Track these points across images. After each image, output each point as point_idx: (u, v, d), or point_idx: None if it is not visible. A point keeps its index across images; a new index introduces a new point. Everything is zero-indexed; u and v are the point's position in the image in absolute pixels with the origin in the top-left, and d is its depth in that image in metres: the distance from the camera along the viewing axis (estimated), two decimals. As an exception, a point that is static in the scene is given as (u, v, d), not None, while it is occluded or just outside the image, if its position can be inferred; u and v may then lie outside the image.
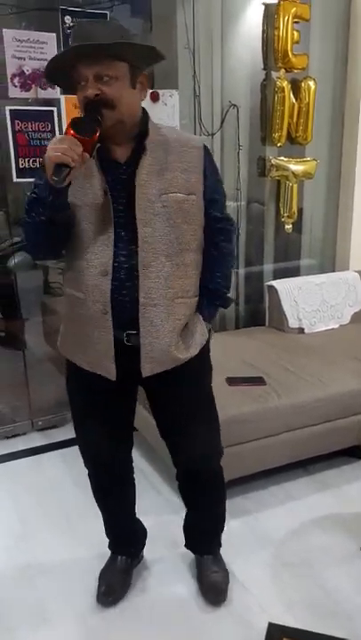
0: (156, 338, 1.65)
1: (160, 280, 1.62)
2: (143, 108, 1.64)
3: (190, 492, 2.01)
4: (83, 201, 1.60)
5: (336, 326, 3.46)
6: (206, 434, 1.88)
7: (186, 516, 2.08)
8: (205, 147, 1.69)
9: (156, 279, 1.62)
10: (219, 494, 2.02)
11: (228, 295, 1.86)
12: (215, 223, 1.73)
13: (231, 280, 1.86)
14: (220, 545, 2.10)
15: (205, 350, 1.82)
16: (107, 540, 2.09)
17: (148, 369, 1.68)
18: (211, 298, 1.79)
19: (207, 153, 1.69)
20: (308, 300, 3.37)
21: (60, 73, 1.55)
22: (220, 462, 1.94)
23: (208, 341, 1.83)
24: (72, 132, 1.45)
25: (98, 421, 1.83)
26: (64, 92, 1.53)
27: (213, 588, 2.02)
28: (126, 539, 2.10)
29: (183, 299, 1.69)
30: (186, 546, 2.11)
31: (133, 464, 2.02)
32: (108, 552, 2.10)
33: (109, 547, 2.10)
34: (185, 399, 1.81)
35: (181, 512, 2.38)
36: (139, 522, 2.12)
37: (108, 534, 2.08)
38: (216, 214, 1.73)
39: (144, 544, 2.15)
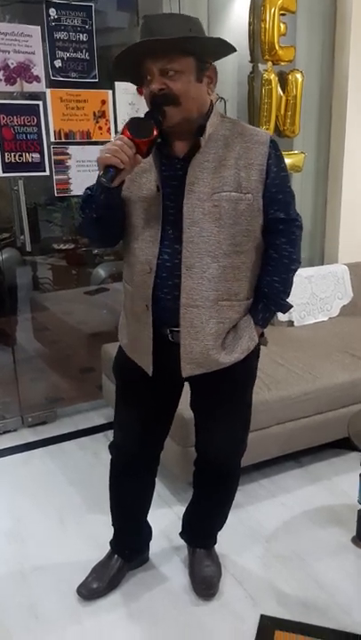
0: (196, 339, 1.62)
1: (203, 281, 1.57)
2: (211, 102, 1.59)
3: (205, 481, 1.99)
4: (137, 195, 1.59)
5: (325, 319, 3.47)
6: (237, 431, 1.87)
7: (190, 506, 2.07)
8: (273, 142, 1.59)
9: (199, 280, 1.57)
10: (230, 490, 2.02)
11: (287, 301, 1.75)
12: (277, 224, 1.64)
13: (292, 286, 1.74)
14: (215, 542, 2.10)
15: (254, 356, 1.76)
16: (98, 537, 2.08)
17: (187, 369, 1.65)
18: (267, 302, 1.70)
19: (274, 148, 1.59)
20: (297, 293, 3.37)
21: (127, 68, 1.53)
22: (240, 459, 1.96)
23: (258, 347, 1.78)
24: (128, 133, 1.44)
25: (133, 407, 1.83)
26: (135, 83, 1.52)
27: (205, 581, 2.02)
28: (127, 537, 2.07)
29: (230, 301, 1.62)
30: (181, 535, 2.11)
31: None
32: (100, 549, 2.09)
33: (110, 543, 2.08)
34: (225, 402, 1.79)
35: (175, 507, 2.39)
36: (147, 526, 2.10)
37: (113, 527, 2.05)
38: (279, 215, 1.63)
39: (145, 550, 2.13)
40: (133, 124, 1.46)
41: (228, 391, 1.76)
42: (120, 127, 2.96)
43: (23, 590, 2.05)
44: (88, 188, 1.60)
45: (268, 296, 1.70)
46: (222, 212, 1.54)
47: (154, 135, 1.46)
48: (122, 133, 1.45)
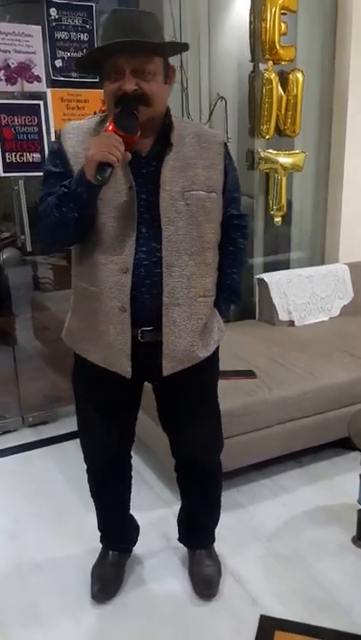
0: (179, 337, 1.64)
1: (183, 279, 1.61)
2: None
3: (190, 483, 2.00)
4: (105, 194, 1.55)
5: (326, 319, 3.46)
6: (212, 427, 1.90)
7: (181, 509, 2.08)
8: (225, 143, 1.66)
9: (179, 278, 1.60)
10: (216, 488, 2.02)
11: (241, 291, 1.86)
12: (232, 220, 1.73)
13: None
14: (214, 540, 2.11)
15: (217, 347, 1.82)
16: (97, 537, 2.08)
17: (168, 368, 1.67)
18: (228, 294, 1.79)
19: (226, 149, 1.67)
20: (297, 292, 3.37)
21: (93, 61, 1.52)
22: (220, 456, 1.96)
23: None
24: (117, 129, 1.43)
25: (103, 417, 1.81)
26: (98, 78, 1.52)
27: (205, 581, 2.02)
28: (119, 534, 2.10)
29: (205, 297, 1.68)
30: (179, 540, 2.11)
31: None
32: (100, 547, 2.10)
33: (101, 541, 2.09)
34: (197, 393, 1.82)
35: (174, 506, 2.38)
36: (132, 518, 2.12)
37: (100, 529, 2.07)
38: (234, 211, 1.72)
39: (136, 540, 2.14)
40: (120, 121, 1.44)
41: (202, 385, 1.80)
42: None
43: (22, 589, 2.05)
44: (62, 186, 1.51)
45: (231, 287, 1.78)
46: (194, 211, 1.59)
47: (139, 132, 1.47)
48: (107, 129, 1.44)
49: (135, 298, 1.60)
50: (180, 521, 2.10)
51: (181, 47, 1.62)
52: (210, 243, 1.65)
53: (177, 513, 2.11)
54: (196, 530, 2.09)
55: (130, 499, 2.07)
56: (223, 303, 1.79)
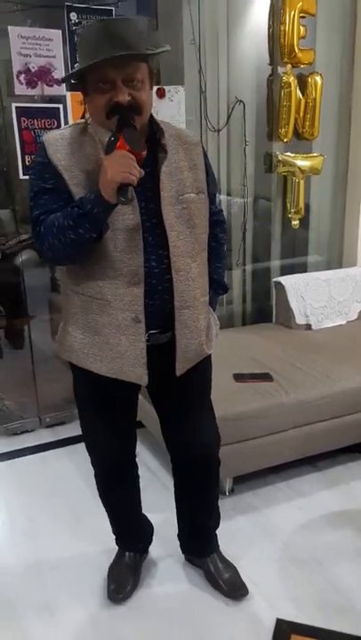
0: (190, 339, 1.68)
1: (189, 282, 1.64)
2: None
3: (191, 482, 1.99)
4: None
5: (343, 322, 3.44)
6: (211, 420, 1.93)
7: (180, 520, 2.07)
8: (200, 142, 1.72)
9: (186, 281, 1.63)
10: (216, 485, 2.03)
11: (226, 284, 1.94)
12: (213, 216, 1.76)
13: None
14: (218, 544, 2.09)
15: None
16: (114, 537, 2.09)
17: (180, 368, 1.71)
18: (216, 288, 1.84)
19: (203, 148, 1.72)
20: (315, 296, 3.36)
21: (76, 74, 1.50)
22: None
23: None
24: (128, 147, 1.40)
25: (107, 423, 1.82)
26: (70, 89, 1.51)
27: (231, 582, 2.01)
28: (133, 535, 2.11)
29: (205, 297, 1.74)
30: (186, 552, 2.12)
31: (140, 460, 2.03)
32: (116, 548, 2.11)
33: (117, 543, 2.10)
34: (198, 387, 1.85)
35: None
36: (145, 518, 2.12)
37: (114, 531, 2.08)
38: (214, 208, 1.77)
39: (151, 540, 2.15)
40: (129, 137, 1.41)
41: (199, 372, 1.81)
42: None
43: (39, 588, 2.07)
44: (76, 207, 1.46)
45: (217, 282, 1.84)
46: (191, 214, 1.62)
47: (145, 147, 1.48)
48: (118, 147, 1.40)
49: (148, 306, 1.60)
50: (181, 532, 2.10)
51: (163, 51, 1.54)
52: (204, 243, 1.70)
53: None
54: (200, 533, 2.07)
55: (140, 498, 2.07)
56: (213, 298, 1.84)
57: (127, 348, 1.62)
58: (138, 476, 2.04)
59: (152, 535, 2.15)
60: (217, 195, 1.85)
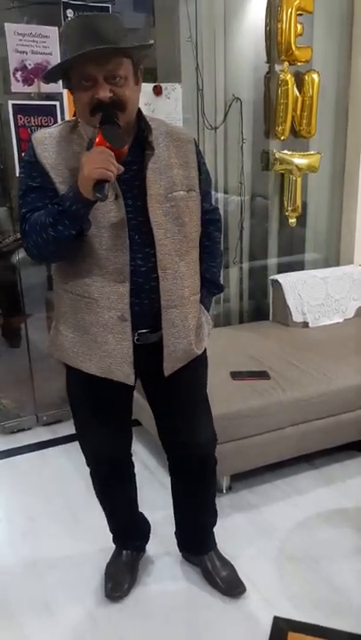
0: (178, 338, 1.66)
1: (177, 281, 1.63)
2: None
3: (187, 482, 1.98)
4: (97, 204, 1.53)
5: (340, 320, 3.45)
6: (206, 419, 1.90)
7: (181, 520, 2.07)
8: (194, 139, 1.69)
9: (173, 280, 1.62)
10: (213, 484, 2.02)
11: (222, 283, 1.91)
12: (206, 215, 1.74)
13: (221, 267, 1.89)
14: (215, 542, 2.10)
15: None
16: (111, 535, 2.09)
17: (169, 368, 1.69)
18: (209, 287, 1.82)
19: (197, 145, 1.69)
20: (312, 294, 3.36)
21: (59, 71, 1.49)
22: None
23: None
24: (107, 143, 1.40)
25: (101, 422, 1.81)
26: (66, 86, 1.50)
27: (228, 580, 2.01)
28: (130, 533, 2.11)
29: (195, 295, 1.72)
30: (184, 550, 2.12)
31: (137, 457, 2.03)
32: (114, 546, 2.11)
33: (114, 541, 2.10)
34: (190, 386, 1.83)
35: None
36: (142, 516, 2.13)
37: (111, 529, 2.08)
38: (207, 206, 1.75)
39: (148, 538, 2.15)
40: (107, 134, 1.41)
41: (193, 372, 1.80)
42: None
43: (37, 587, 2.07)
44: (54, 204, 1.48)
45: (210, 281, 1.81)
46: (180, 212, 1.60)
47: (127, 144, 1.47)
48: (97, 143, 1.40)
49: (134, 304, 1.60)
50: (180, 530, 2.10)
51: (147, 47, 1.51)
52: (194, 241, 1.68)
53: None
54: (197, 532, 2.08)
55: (136, 497, 2.07)
56: (206, 297, 1.81)
57: (114, 346, 1.62)
58: (134, 475, 2.04)
59: (149, 533, 2.15)
60: (212, 192, 1.83)
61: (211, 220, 1.78)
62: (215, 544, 2.09)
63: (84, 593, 2.03)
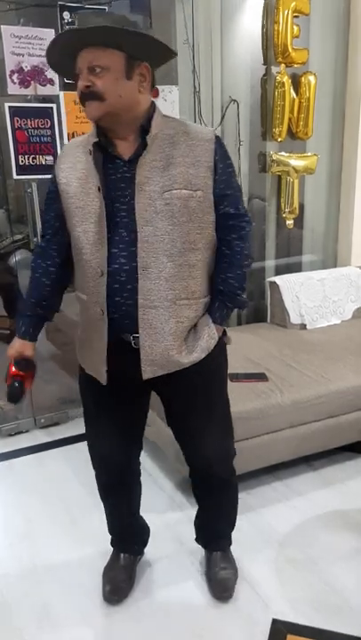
0: (156, 340, 1.61)
1: (160, 281, 1.57)
2: (152, 102, 1.59)
3: (202, 491, 1.99)
4: (84, 201, 1.58)
5: (338, 322, 3.45)
6: (217, 437, 1.84)
7: (197, 512, 2.07)
8: (218, 138, 1.61)
9: (156, 280, 1.57)
10: (229, 495, 2.00)
11: (243, 297, 1.75)
12: (227, 220, 1.65)
13: (246, 281, 1.74)
14: (230, 543, 2.10)
15: (216, 353, 1.72)
16: (110, 537, 2.09)
17: (148, 371, 1.64)
18: (223, 299, 1.70)
19: (219, 145, 1.60)
20: (309, 295, 3.36)
21: (63, 64, 1.54)
22: (233, 464, 1.94)
23: (222, 344, 1.76)
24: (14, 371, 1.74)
25: (107, 422, 1.81)
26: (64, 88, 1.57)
27: (221, 583, 2.01)
28: (129, 536, 2.10)
29: (188, 300, 1.62)
30: (196, 540, 2.11)
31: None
32: (112, 548, 2.10)
33: (112, 544, 2.09)
34: (196, 403, 1.76)
35: (186, 509, 2.39)
36: (142, 520, 2.12)
37: (110, 532, 2.07)
38: (228, 210, 1.64)
39: (147, 542, 2.14)
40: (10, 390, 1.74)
41: (198, 394, 1.75)
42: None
43: (35, 590, 2.06)
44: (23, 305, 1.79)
45: (224, 293, 1.69)
46: (175, 210, 1.54)
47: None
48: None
49: (117, 303, 1.59)
50: (197, 523, 2.09)
51: (144, 40, 1.49)
52: (194, 243, 1.59)
53: (189, 516, 2.10)
54: (212, 534, 2.08)
55: (139, 503, 2.06)
56: (218, 310, 1.69)
57: (97, 343, 1.64)
58: (139, 484, 2.02)
59: (148, 538, 2.14)
60: (240, 198, 1.68)
61: (233, 227, 1.66)
62: (226, 546, 2.09)
63: (82, 596, 2.02)
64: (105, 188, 1.56)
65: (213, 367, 1.75)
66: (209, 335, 1.68)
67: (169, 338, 1.61)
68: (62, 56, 1.51)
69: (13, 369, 1.71)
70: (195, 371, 1.68)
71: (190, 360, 1.65)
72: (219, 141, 1.61)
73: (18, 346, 1.78)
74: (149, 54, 1.54)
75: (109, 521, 2.05)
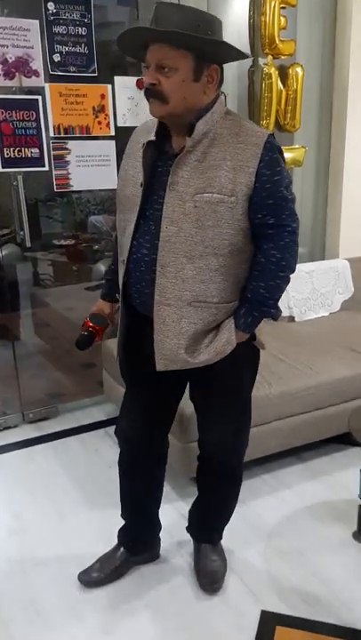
0: (167, 337, 1.62)
1: (177, 281, 1.57)
2: (214, 100, 1.54)
3: (204, 477, 2.01)
4: (131, 191, 1.63)
5: (326, 314, 3.46)
6: (230, 434, 1.87)
7: (195, 501, 2.08)
8: (269, 143, 1.52)
9: (173, 279, 1.57)
10: (230, 488, 2.02)
11: (275, 307, 1.69)
12: (265, 229, 1.58)
13: (281, 292, 1.67)
14: (220, 537, 2.10)
15: (237, 357, 1.68)
16: (99, 534, 2.08)
17: (161, 364, 1.66)
18: (249, 307, 1.65)
19: (269, 150, 1.52)
20: (298, 288, 3.36)
21: (136, 50, 1.52)
22: (241, 460, 1.98)
23: (251, 348, 1.77)
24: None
25: (136, 397, 1.89)
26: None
27: (210, 575, 2.02)
28: (134, 529, 2.06)
29: (205, 303, 1.60)
30: (187, 529, 2.11)
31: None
32: (100, 544, 2.10)
33: (118, 534, 2.08)
34: (216, 402, 1.82)
35: (176, 504, 2.38)
36: (154, 519, 2.09)
37: (121, 529, 2.08)
38: (267, 220, 1.57)
39: (148, 548, 2.11)
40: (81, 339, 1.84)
41: (218, 391, 1.78)
42: (119, 121, 2.96)
43: (24, 586, 2.05)
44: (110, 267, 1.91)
45: (250, 301, 1.64)
46: (201, 214, 1.51)
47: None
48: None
49: (139, 291, 1.65)
50: (192, 511, 2.10)
51: (217, 46, 1.46)
52: (218, 249, 1.54)
53: (180, 510, 2.10)
54: (205, 523, 2.09)
55: (159, 498, 2.05)
56: (243, 316, 1.65)
57: (121, 328, 1.77)
58: (162, 475, 2.03)
59: (156, 541, 2.13)
60: (285, 208, 1.59)
61: (271, 237, 1.59)
62: (217, 540, 2.09)
63: (71, 591, 2.01)
64: (150, 180, 1.59)
65: (235, 369, 1.74)
66: (227, 340, 1.65)
67: (179, 336, 1.62)
68: (133, 43, 1.50)
69: (89, 322, 1.86)
70: (220, 372, 1.69)
71: (200, 360, 1.64)
72: (269, 147, 1.53)
73: (98, 304, 1.93)
74: (221, 57, 1.52)
75: (123, 505, 2.05)
